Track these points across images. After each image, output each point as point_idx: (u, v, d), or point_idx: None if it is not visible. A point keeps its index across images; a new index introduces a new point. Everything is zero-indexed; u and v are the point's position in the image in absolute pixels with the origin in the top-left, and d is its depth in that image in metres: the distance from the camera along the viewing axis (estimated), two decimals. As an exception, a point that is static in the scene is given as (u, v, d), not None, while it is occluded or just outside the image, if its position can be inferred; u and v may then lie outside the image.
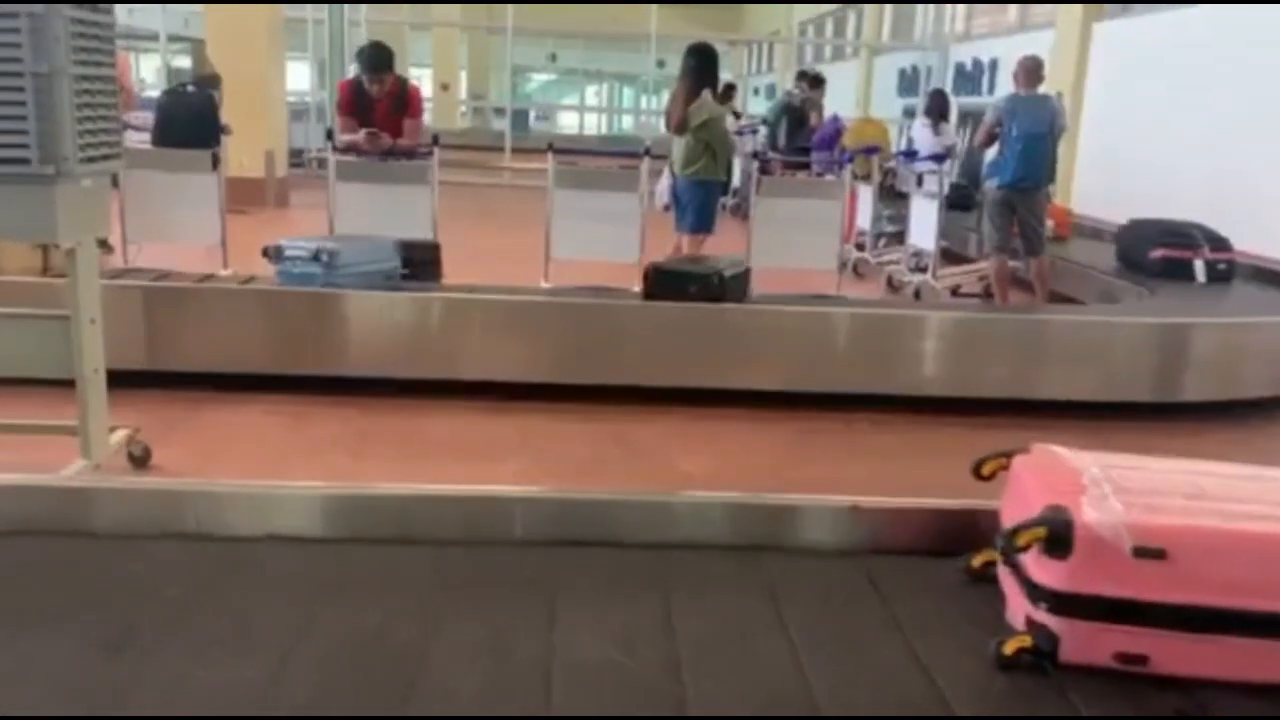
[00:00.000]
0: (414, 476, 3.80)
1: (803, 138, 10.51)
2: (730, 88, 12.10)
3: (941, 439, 4.68)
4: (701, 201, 6.16)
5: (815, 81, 11.39)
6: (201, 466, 3.89)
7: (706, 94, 6.11)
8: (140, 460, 3.80)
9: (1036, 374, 5.06)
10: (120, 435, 3.67)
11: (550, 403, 4.73)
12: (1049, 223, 7.91)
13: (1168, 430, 4.89)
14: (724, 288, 4.97)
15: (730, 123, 9.13)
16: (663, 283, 5.02)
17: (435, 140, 6.12)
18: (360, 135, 5.92)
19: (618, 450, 4.36)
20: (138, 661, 1.31)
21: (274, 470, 3.90)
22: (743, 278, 5.25)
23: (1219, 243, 6.45)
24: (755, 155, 8.01)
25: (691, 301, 4.94)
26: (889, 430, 4.76)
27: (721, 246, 6.46)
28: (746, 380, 4.91)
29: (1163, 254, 6.41)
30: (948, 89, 12.02)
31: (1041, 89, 6.83)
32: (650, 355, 4.94)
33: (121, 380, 3.62)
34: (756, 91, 26.59)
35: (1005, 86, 8.05)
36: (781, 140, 10.62)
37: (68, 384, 3.31)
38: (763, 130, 11.81)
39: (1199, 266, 6.26)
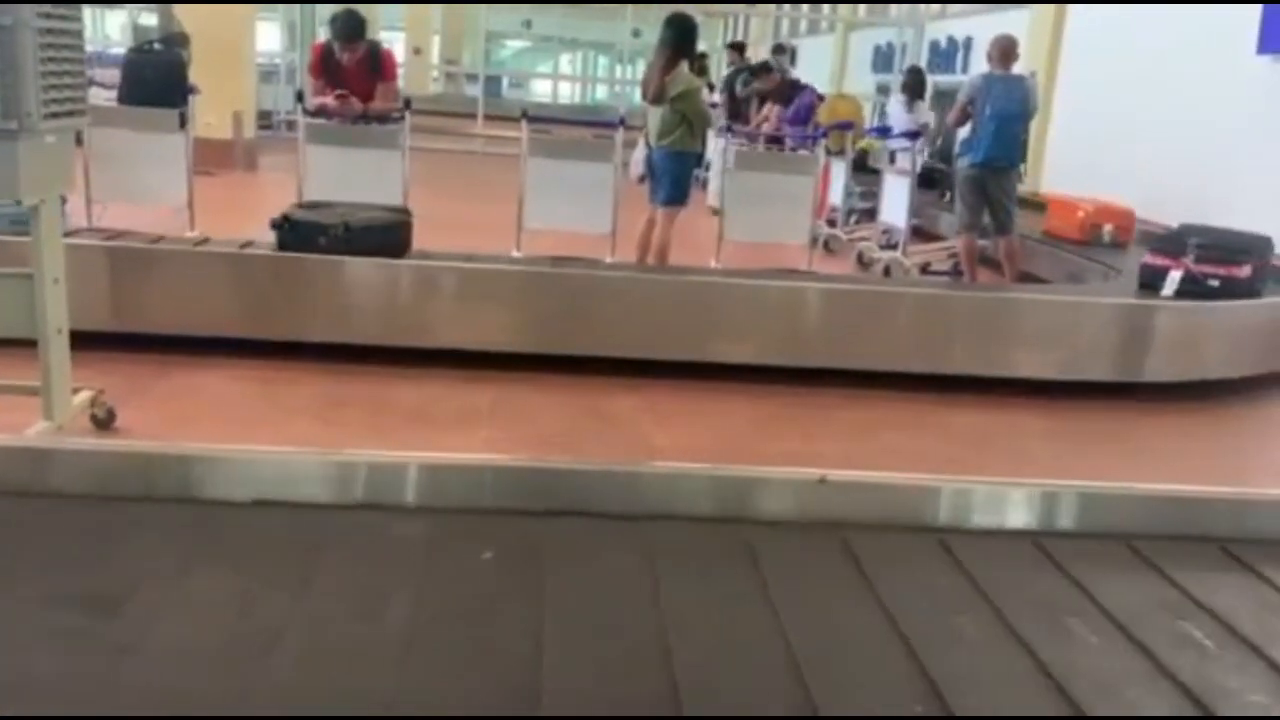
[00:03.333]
0: (384, 443, 3.80)
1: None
2: (703, 56, 12.01)
3: (908, 414, 4.73)
4: (676, 173, 6.13)
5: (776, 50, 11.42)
6: (168, 430, 3.85)
7: (684, 65, 6.08)
8: (104, 422, 3.76)
9: (1003, 352, 5.10)
10: (84, 397, 3.63)
11: (525, 372, 4.71)
12: (1108, 227, 7.43)
13: (1129, 409, 4.97)
14: (350, 239, 4.77)
15: (704, 95, 9.09)
16: (294, 233, 4.82)
17: (407, 105, 6.05)
18: (332, 99, 5.84)
19: (591, 422, 4.37)
20: (98, 623, 1.30)
21: (242, 435, 3.88)
22: (388, 230, 4.98)
23: (1224, 255, 5.39)
24: (729, 128, 7.99)
25: (321, 253, 4.77)
26: (859, 406, 4.80)
27: (695, 219, 6.46)
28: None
29: (1147, 260, 5.63)
30: (923, 66, 12.03)
31: (1016, 68, 6.86)
32: (623, 326, 4.93)
33: (86, 341, 3.57)
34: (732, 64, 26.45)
35: (980, 65, 8.07)
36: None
37: (30, 344, 3.26)
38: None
39: (1172, 278, 5.37)
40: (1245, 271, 5.38)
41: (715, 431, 4.39)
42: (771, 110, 10.08)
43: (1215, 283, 5.33)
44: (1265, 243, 5.68)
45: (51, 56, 3.00)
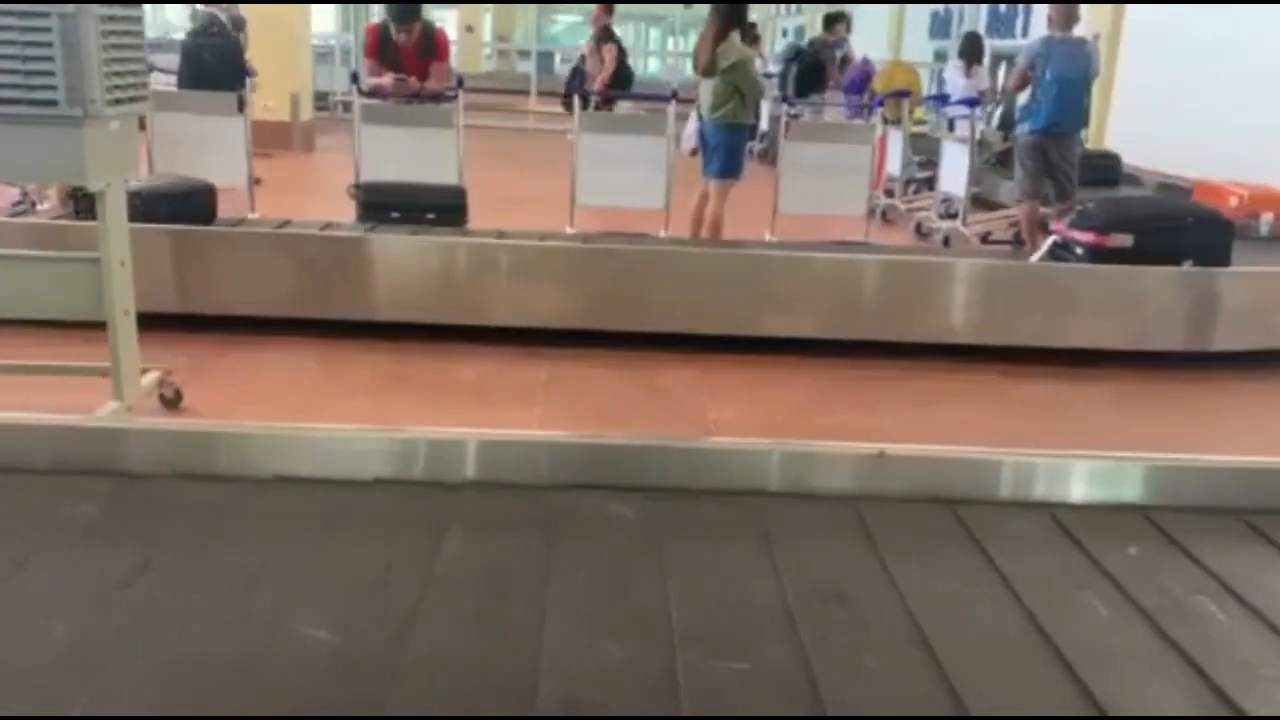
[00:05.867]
0: (442, 420, 3.85)
1: (816, 87, 10.23)
2: (752, 25, 11.83)
3: (970, 387, 4.67)
4: (730, 145, 6.09)
5: (830, 21, 11.13)
6: (232, 409, 3.93)
7: (735, 35, 6.02)
8: (172, 402, 3.84)
9: (1065, 322, 5.01)
10: (152, 377, 3.71)
11: (579, 348, 4.73)
12: (1267, 217, 7.04)
13: (1194, 379, 4.86)
14: (142, 207, 4.58)
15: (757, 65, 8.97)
16: (87, 200, 4.74)
17: (460, 83, 6.09)
18: (387, 80, 5.90)
19: (647, 396, 4.38)
20: (160, 597, 1.33)
21: (304, 412, 3.94)
22: (185, 198, 4.99)
23: (1096, 224, 5.28)
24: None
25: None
26: (920, 378, 4.74)
27: (749, 191, 6.41)
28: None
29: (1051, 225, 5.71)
30: (981, 31, 11.78)
31: (1078, 31, 6.69)
32: (678, 300, 4.92)
33: (151, 323, 3.65)
34: (785, 33, 26.16)
35: (1041, 28, 7.87)
36: (790, 89, 10.09)
37: (99, 326, 3.35)
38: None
39: (1046, 243, 5.47)
40: (1121, 241, 5.20)
41: (771, 405, 4.38)
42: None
43: (1079, 250, 5.30)
44: (1195, 218, 5.55)
45: (114, 44, 3.05)
